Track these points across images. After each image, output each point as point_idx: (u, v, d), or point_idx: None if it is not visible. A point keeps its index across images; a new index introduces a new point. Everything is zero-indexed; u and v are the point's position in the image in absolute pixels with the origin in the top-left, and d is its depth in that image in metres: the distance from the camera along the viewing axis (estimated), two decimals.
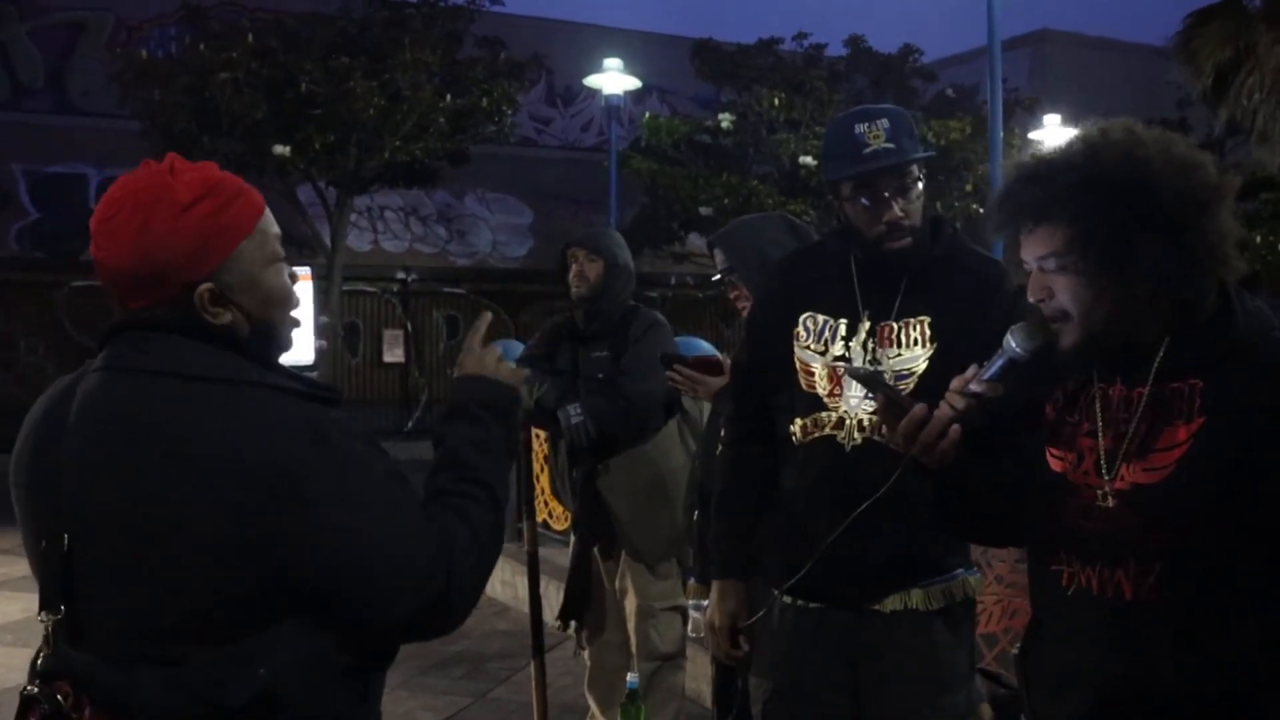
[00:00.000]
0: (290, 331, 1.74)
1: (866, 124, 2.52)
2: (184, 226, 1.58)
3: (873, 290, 2.58)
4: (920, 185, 2.57)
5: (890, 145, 2.50)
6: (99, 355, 1.65)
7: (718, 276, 3.59)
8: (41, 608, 1.57)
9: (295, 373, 1.68)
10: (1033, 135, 16.63)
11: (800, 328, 2.63)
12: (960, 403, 1.84)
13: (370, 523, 1.56)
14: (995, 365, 1.85)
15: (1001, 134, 11.73)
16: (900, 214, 2.53)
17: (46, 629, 1.56)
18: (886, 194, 2.52)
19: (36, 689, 1.54)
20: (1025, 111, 19.31)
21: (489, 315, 2.06)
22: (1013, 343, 1.83)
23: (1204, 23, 14.47)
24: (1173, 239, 1.67)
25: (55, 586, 1.56)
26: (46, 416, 1.64)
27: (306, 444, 1.53)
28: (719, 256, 3.65)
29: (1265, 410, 1.66)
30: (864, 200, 2.54)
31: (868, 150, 2.50)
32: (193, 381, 1.56)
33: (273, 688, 1.53)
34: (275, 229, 1.70)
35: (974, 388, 1.84)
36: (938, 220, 2.65)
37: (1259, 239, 14.85)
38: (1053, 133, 16.04)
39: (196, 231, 1.58)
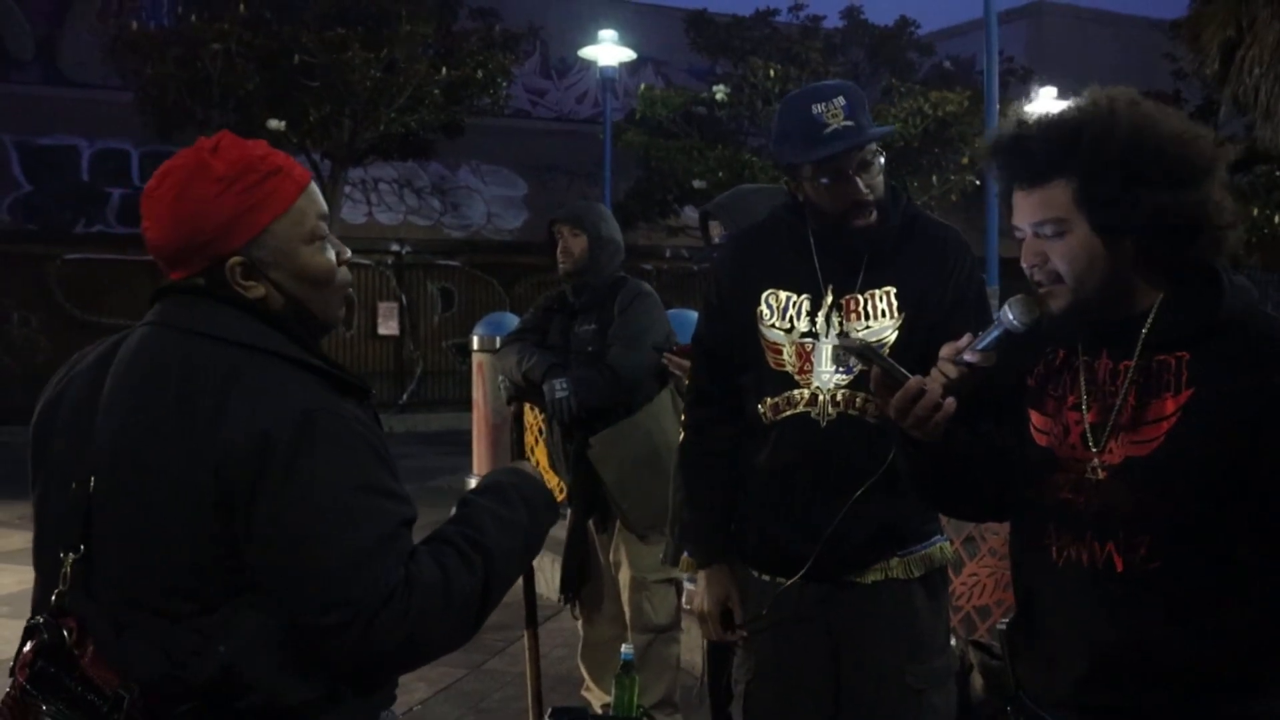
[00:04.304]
0: (335, 309, 1.77)
1: (823, 104, 2.48)
2: (217, 201, 1.64)
3: (833, 264, 2.55)
4: (881, 159, 2.54)
5: (849, 123, 2.46)
6: (149, 311, 1.72)
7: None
8: (64, 548, 1.61)
9: (323, 354, 1.70)
10: (1028, 108, 16.59)
11: (763, 306, 2.60)
12: (953, 371, 1.82)
13: (313, 523, 1.55)
14: (990, 336, 1.82)
15: (998, 106, 11.71)
16: (865, 191, 2.50)
17: (64, 567, 1.61)
18: (851, 173, 2.49)
19: (42, 620, 1.59)
20: (1019, 82, 19.25)
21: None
22: (1010, 315, 1.81)
23: (1208, 1, 14.52)
24: (1171, 204, 1.68)
25: (78, 528, 1.61)
26: (96, 365, 1.71)
27: (293, 422, 1.56)
28: (716, 228, 3.62)
29: (1258, 387, 1.66)
30: (826, 180, 2.50)
31: (828, 130, 2.46)
32: (220, 343, 1.62)
33: (234, 667, 1.55)
34: (319, 207, 1.74)
35: (967, 357, 1.82)
36: (895, 190, 2.62)
37: (1256, 211, 14.88)
38: (1048, 105, 16.00)
39: (229, 206, 1.64)
